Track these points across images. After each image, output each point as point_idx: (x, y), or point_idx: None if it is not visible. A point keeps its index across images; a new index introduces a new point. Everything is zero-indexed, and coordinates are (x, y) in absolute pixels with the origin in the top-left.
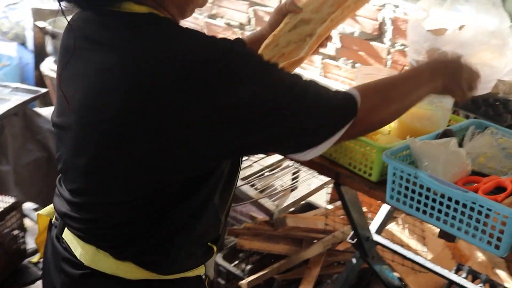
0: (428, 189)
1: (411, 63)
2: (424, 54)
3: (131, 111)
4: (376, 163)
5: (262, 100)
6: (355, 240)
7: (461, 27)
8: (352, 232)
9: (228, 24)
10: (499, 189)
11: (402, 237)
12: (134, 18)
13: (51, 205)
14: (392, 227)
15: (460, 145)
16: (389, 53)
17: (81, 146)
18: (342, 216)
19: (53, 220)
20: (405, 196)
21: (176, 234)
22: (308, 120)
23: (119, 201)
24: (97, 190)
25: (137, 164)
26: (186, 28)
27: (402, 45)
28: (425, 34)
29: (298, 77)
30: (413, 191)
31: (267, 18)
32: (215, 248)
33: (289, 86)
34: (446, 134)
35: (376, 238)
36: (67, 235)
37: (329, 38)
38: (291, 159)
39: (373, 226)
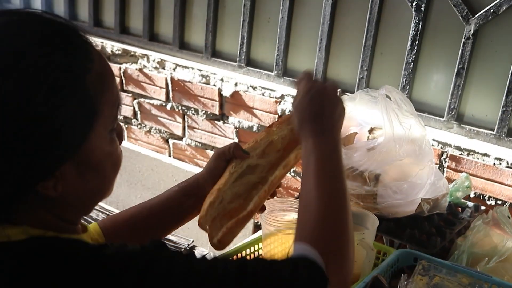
0: None
1: None
2: None
3: None
4: None
5: None
6: None
7: (371, 130)
8: None
9: None
10: None
11: None
12: (10, 253)
13: None
14: None
15: None
16: None
17: None
18: None
19: None
20: None
21: None
22: None
23: None
24: None
25: None
26: (76, 252)
27: None
28: None
29: (243, 261)
30: None
31: (154, 111)
32: None
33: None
34: (375, 284)
35: None
36: None
37: (280, 186)
38: None
39: None
